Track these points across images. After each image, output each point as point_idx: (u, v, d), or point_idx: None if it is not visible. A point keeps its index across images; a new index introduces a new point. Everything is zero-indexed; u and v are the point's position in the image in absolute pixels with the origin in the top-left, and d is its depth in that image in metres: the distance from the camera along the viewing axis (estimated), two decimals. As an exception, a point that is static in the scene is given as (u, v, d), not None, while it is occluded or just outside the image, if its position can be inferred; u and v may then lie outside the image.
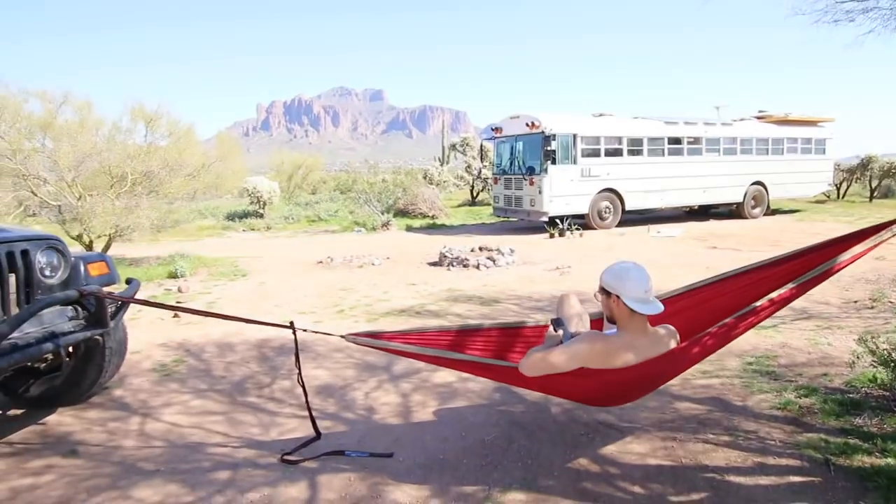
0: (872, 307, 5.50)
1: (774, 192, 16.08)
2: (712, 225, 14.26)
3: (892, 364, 3.17)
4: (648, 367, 2.34)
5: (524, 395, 3.62)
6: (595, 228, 13.48)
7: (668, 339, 2.40)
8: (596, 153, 13.66)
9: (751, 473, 2.64)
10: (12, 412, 3.59)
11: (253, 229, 16.19)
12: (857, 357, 3.44)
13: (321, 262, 9.16)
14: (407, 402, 3.63)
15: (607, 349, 2.31)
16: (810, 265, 2.55)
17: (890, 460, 2.59)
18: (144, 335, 5.19)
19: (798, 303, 5.57)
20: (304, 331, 2.85)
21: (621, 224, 13.99)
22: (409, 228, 14.94)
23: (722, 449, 2.86)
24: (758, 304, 2.37)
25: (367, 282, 7.59)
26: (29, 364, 3.32)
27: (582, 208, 13.40)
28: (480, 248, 9.58)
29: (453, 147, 26.61)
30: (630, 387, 2.54)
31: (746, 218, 15.51)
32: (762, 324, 4.86)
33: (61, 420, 3.45)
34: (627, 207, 14.06)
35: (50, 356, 3.31)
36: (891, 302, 5.58)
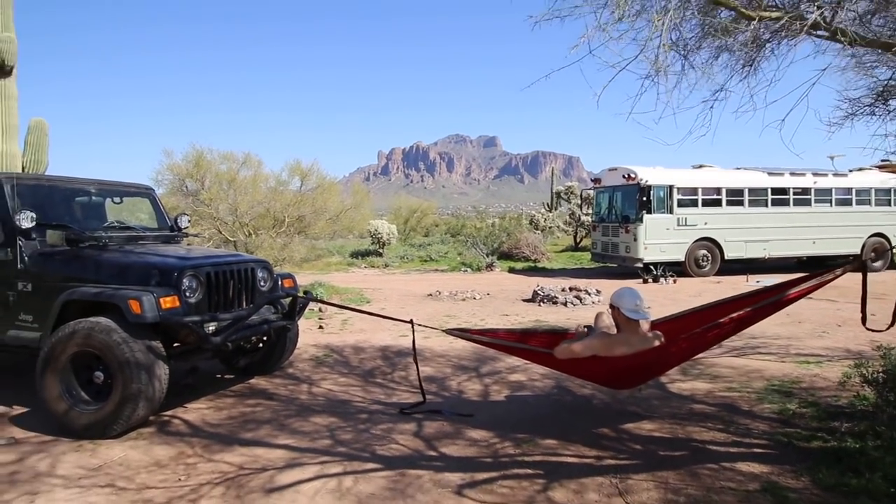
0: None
1: (902, 242, 15.34)
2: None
3: (876, 384, 3.95)
4: (640, 358, 3.52)
5: (574, 390, 4.82)
6: (692, 276, 13.91)
7: (654, 339, 3.56)
8: (693, 203, 14.20)
9: (726, 445, 3.64)
10: (228, 376, 5.43)
11: (373, 266, 18.42)
12: (848, 377, 4.22)
13: (430, 294, 10.80)
14: (487, 390, 4.97)
15: (610, 342, 3.54)
16: (766, 297, 3.58)
17: (834, 443, 3.48)
18: (301, 339, 7.00)
19: (841, 344, 6.14)
20: (420, 325, 4.34)
21: (721, 273, 14.24)
22: (512, 270, 16.28)
23: (713, 432, 3.87)
24: (721, 320, 3.46)
25: (467, 311, 9.05)
26: (241, 343, 5.12)
27: (678, 256, 13.93)
28: (570, 289, 10.69)
29: (558, 195, 27.76)
30: (629, 372, 3.70)
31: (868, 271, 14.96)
32: (805, 357, 5.63)
33: (259, 382, 5.22)
34: (727, 257, 14.31)
35: (260, 337, 5.09)
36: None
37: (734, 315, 3.47)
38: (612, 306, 3.66)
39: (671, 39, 2.74)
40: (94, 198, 5.31)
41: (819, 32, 2.33)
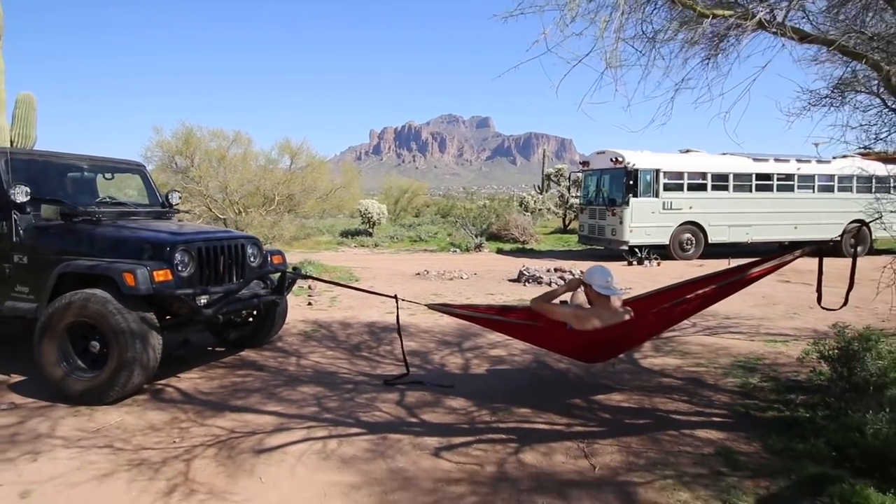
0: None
1: (879, 231, 15.71)
2: (800, 261, 14.33)
3: (831, 360, 4.21)
4: (611, 331, 3.75)
5: (552, 364, 5.05)
6: (676, 259, 14.19)
7: (624, 313, 3.79)
8: (679, 187, 14.43)
9: (688, 415, 3.90)
10: (219, 349, 5.61)
11: (363, 246, 18.54)
12: (807, 354, 4.48)
13: (419, 274, 10.99)
14: (468, 364, 5.20)
15: (582, 315, 3.76)
16: (729, 276, 3.80)
17: (787, 413, 3.74)
18: (290, 315, 7.17)
19: (819, 326, 6.40)
20: (404, 300, 4.53)
21: (705, 256, 14.53)
22: (500, 251, 16.49)
23: (677, 403, 4.13)
24: (688, 296, 3.68)
25: (454, 290, 9.26)
26: (232, 317, 5.29)
27: (662, 239, 14.20)
28: (555, 269, 10.94)
29: (549, 177, 27.92)
30: (601, 345, 3.93)
31: (844, 256, 15.34)
32: (773, 337, 5.90)
33: (249, 355, 5.41)
34: (710, 240, 14.60)
35: (250, 311, 5.26)
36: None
37: (700, 292, 3.69)
38: (584, 283, 3.87)
39: (642, 31, 2.91)
40: (86, 173, 5.41)
41: (773, 29, 2.50)
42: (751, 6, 2.48)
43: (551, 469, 3.14)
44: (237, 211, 11.33)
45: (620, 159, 14.05)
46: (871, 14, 2.89)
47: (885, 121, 3.41)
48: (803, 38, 2.64)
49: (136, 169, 5.97)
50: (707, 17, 2.53)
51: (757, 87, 2.92)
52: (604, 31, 2.18)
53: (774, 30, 2.46)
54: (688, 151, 15.53)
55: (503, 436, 3.59)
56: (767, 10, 2.44)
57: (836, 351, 4.14)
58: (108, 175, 5.68)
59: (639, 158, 14.04)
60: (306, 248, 16.06)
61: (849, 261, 3.74)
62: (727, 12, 2.54)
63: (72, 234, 4.47)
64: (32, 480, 2.98)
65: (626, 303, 4.10)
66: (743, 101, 2.68)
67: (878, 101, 3.22)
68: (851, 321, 6.01)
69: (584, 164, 15.81)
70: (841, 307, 3.72)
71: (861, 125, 3.52)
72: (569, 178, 25.04)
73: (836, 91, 3.31)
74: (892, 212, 4.76)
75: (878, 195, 16.13)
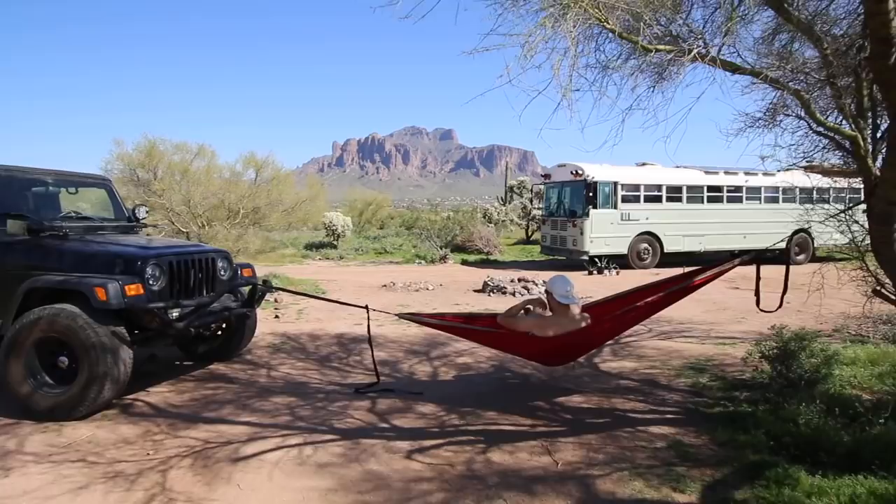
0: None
1: (821, 239, 16.65)
2: (749, 269, 15.11)
3: (770, 360, 4.56)
4: (570, 337, 4.00)
5: (516, 370, 5.27)
6: (634, 268, 14.72)
7: (581, 320, 4.04)
8: (636, 199, 15.02)
9: (643, 412, 4.17)
10: (187, 363, 5.62)
11: (328, 258, 18.50)
12: (750, 354, 4.84)
13: (385, 285, 11.11)
14: (436, 371, 5.37)
15: (543, 323, 3.99)
16: (676, 283, 4.11)
17: (732, 408, 4.06)
18: (258, 328, 7.16)
19: (756, 328, 6.83)
20: (374, 310, 4.68)
21: (661, 265, 15.11)
22: (465, 262, 16.74)
23: (633, 402, 4.40)
24: (638, 304, 3.97)
25: (420, 301, 9.42)
26: (201, 330, 5.31)
27: (621, 249, 14.72)
28: (519, 279, 11.23)
29: (512, 189, 28.45)
30: (562, 349, 4.18)
31: (790, 264, 16.17)
32: (723, 340, 6.28)
33: (218, 368, 5.44)
34: (666, 250, 15.22)
35: (219, 324, 5.30)
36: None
37: (650, 299, 3.98)
38: (546, 292, 4.11)
39: (596, 60, 3.19)
40: (50, 188, 5.37)
41: (707, 62, 2.81)
42: (687, 43, 2.78)
43: (517, 466, 3.34)
44: (200, 224, 11.23)
45: (580, 172, 14.53)
46: (796, 47, 3.26)
47: (812, 141, 3.80)
48: (734, 69, 2.98)
49: (102, 183, 5.94)
50: (650, 51, 2.83)
51: (702, 109, 3.23)
52: (559, 69, 2.43)
53: (708, 62, 2.78)
54: (644, 164, 16.19)
55: (471, 437, 3.77)
56: (702, 46, 2.75)
57: (775, 351, 4.51)
58: (72, 190, 5.65)
59: (598, 171, 14.56)
60: (271, 262, 15.93)
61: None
62: (667, 47, 2.84)
63: (39, 250, 4.45)
64: (6, 495, 2.99)
65: (584, 309, 4.36)
66: (682, 126, 2.99)
67: (804, 123, 3.59)
68: (793, 324, 6.47)
69: (546, 176, 16.28)
70: (777, 309, 4.08)
71: (790, 145, 3.90)
72: (531, 190, 25.63)
73: (767, 114, 3.69)
74: (822, 221, 5.17)
75: (818, 206, 17.32)
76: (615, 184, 14.70)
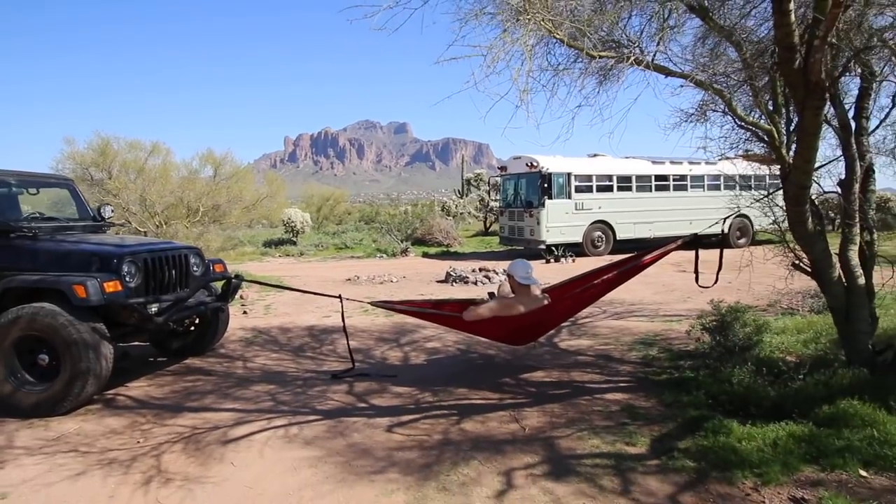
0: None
1: (759, 223, 17.76)
2: (703, 255, 16.05)
3: (710, 331, 5.06)
4: (534, 316, 4.37)
5: (482, 351, 5.63)
6: (589, 255, 15.36)
7: (543, 299, 4.42)
8: (589, 189, 15.65)
9: (599, 383, 4.60)
10: (161, 359, 5.71)
11: (288, 255, 18.43)
12: (692, 328, 5.35)
13: (349, 279, 11.29)
14: (407, 356, 5.66)
15: (508, 304, 4.35)
16: (626, 263, 4.55)
17: (677, 375, 4.53)
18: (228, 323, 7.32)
19: (700, 306, 7.41)
20: (348, 299, 4.93)
21: (615, 252, 15.79)
22: (426, 255, 17.03)
23: (590, 375, 4.83)
24: (595, 281, 4.37)
25: (385, 293, 9.67)
26: (175, 326, 5.43)
27: (576, 238, 15.33)
28: (480, 269, 11.62)
29: (468, 182, 28.88)
30: (525, 328, 4.55)
31: (731, 247, 17.22)
32: (670, 317, 6.81)
33: (194, 362, 5.57)
34: (619, 237, 15.93)
35: (193, 319, 5.43)
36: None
37: (604, 278, 4.39)
38: (508, 275, 4.47)
39: (548, 62, 3.55)
40: (13, 189, 5.35)
41: (643, 67, 3.21)
42: (627, 50, 3.17)
43: (488, 433, 3.68)
44: (158, 223, 11.10)
45: (535, 164, 15.03)
46: (721, 50, 3.71)
47: (738, 134, 4.27)
48: (667, 73, 3.39)
49: (65, 183, 5.94)
50: (594, 57, 3.20)
51: (643, 106, 3.62)
52: (518, 76, 2.75)
53: (643, 67, 3.17)
54: (595, 156, 16.84)
55: (445, 412, 4.09)
56: (639, 53, 3.14)
57: (714, 323, 5.01)
58: (33, 190, 5.63)
59: (552, 163, 15.09)
60: (231, 260, 15.76)
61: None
62: (608, 53, 3.22)
63: (10, 250, 4.49)
64: (6, 484, 3.12)
65: (544, 291, 4.75)
66: (624, 122, 3.39)
67: (730, 118, 4.05)
68: (733, 300, 7.08)
69: (503, 168, 16.73)
70: (713, 285, 4.56)
71: (720, 137, 4.37)
72: (488, 183, 26.09)
73: (699, 110, 4.14)
74: (749, 206, 5.72)
75: (756, 192, 18.48)
76: (569, 175, 15.28)
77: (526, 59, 2.73)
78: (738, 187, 17.66)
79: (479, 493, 2.94)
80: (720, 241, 4.86)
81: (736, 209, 5.09)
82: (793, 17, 2.83)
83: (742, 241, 17.42)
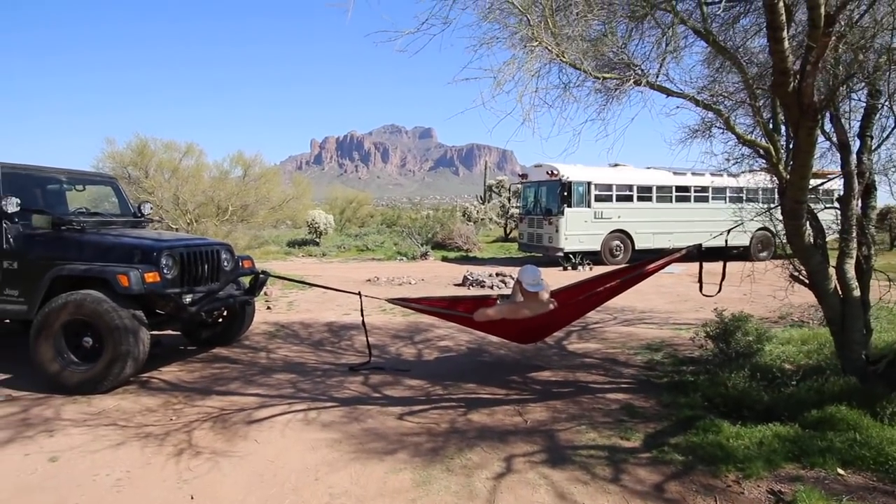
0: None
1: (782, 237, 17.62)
2: (717, 266, 16.03)
3: (713, 338, 5.23)
4: (540, 319, 4.61)
5: (492, 351, 5.88)
6: (607, 264, 15.46)
7: (549, 304, 4.67)
8: (609, 198, 15.78)
9: (602, 384, 4.81)
10: (191, 348, 6.10)
11: (311, 255, 18.90)
12: (696, 334, 5.52)
13: (369, 280, 11.63)
14: (420, 353, 5.95)
15: (515, 308, 4.60)
16: (631, 272, 4.76)
17: (678, 378, 4.72)
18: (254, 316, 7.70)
19: (711, 316, 7.54)
20: (367, 296, 5.23)
21: (632, 261, 15.87)
22: (445, 259, 17.32)
23: (594, 376, 5.04)
24: (598, 289, 4.60)
25: (404, 294, 9.93)
26: (205, 316, 5.80)
27: (594, 246, 15.46)
28: (497, 274, 11.87)
29: (490, 188, 29.13)
30: (532, 330, 4.80)
31: (753, 260, 17.12)
32: (679, 326, 6.97)
33: (221, 351, 5.94)
34: (637, 247, 16.00)
35: (222, 310, 5.80)
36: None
37: (608, 285, 4.62)
38: (517, 281, 4.73)
39: (559, 79, 3.81)
40: (63, 185, 5.80)
41: (643, 87, 3.44)
42: (627, 74, 3.41)
43: (493, 424, 3.93)
44: (189, 221, 11.60)
45: (556, 172, 15.23)
46: (723, 74, 3.92)
47: (740, 150, 4.47)
48: (668, 93, 3.62)
49: (109, 181, 6.38)
50: (598, 78, 3.45)
51: (650, 123, 3.83)
52: (522, 96, 3.02)
53: (644, 88, 3.40)
54: (616, 165, 16.95)
55: (454, 404, 4.36)
56: (640, 74, 3.37)
57: (717, 330, 5.18)
58: (80, 187, 6.07)
59: (573, 171, 15.27)
60: (256, 258, 16.21)
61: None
62: (611, 75, 3.46)
63: (61, 242, 4.90)
64: (56, 450, 3.48)
65: (552, 294, 4.98)
66: (629, 136, 3.62)
67: (733, 135, 4.24)
68: (746, 311, 7.20)
69: (523, 176, 16.95)
70: (716, 294, 4.74)
71: (723, 153, 4.58)
72: (509, 190, 26.34)
73: (703, 126, 4.34)
74: (751, 219, 5.90)
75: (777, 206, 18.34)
76: (589, 183, 15.43)
77: (529, 83, 3.00)
78: (760, 200, 17.78)
79: (480, 475, 3.19)
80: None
81: (739, 222, 5.25)
82: (786, 44, 3.04)
83: (763, 254, 17.30)
